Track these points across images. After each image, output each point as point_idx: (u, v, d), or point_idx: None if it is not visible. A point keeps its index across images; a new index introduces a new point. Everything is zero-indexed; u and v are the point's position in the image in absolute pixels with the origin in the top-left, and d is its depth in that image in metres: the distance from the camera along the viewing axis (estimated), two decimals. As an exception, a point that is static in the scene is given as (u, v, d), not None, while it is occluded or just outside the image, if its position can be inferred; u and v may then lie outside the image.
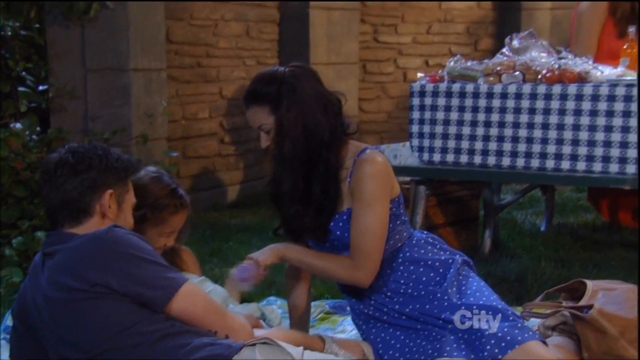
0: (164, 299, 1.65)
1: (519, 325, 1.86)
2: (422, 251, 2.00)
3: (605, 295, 1.92)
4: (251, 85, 1.97)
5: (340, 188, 1.95)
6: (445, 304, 1.91)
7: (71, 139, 3.30)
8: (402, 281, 1.97)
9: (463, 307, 1.89)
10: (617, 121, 2.81)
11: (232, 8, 4.31)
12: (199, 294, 1.70)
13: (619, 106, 2.80)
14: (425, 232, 2.12)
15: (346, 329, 2.47)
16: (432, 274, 1.97)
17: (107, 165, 1.76)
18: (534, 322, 2.10)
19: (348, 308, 2.21)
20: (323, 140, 1.94)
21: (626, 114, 2.80)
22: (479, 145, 3.04)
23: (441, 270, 1.97)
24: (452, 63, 3.15)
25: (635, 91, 2.77)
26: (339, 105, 2.00)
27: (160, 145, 3.83)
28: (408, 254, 1.99)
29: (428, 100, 3.08)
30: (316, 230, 1.96)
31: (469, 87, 3.04)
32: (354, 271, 1.94)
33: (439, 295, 1.93)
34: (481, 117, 3.04)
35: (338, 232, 1.95)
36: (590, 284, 1.97)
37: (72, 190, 1.72)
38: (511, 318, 1.87)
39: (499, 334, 1.83)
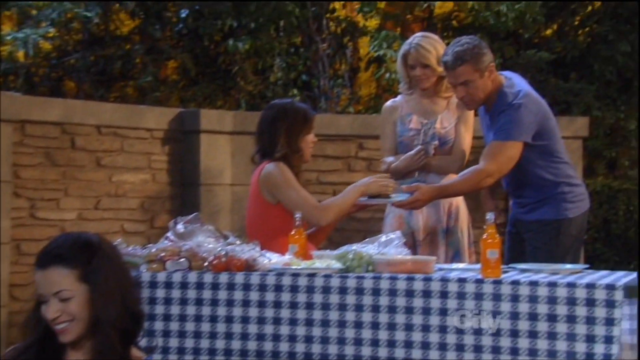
0: None
1: None
2: None
3: None
4: (54, 247, 2.02)
5: None
6: None
7: None
8: None
9: None
10: (285, 312, 2.97)
11: None
12: None
13: (285, 296, 2.98)
14: None
15: None
16: None
17: None
18: None
19: None
20: (135, 313, 2.06)
21: (293, 305, 2.97)
22: (151, 342, 3.02)
23: None
24: (111, 248, 3.17)
25: (302, 281, 2.97)
26: None
27: None
28: None
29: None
30: None
31: (130, 276, 3.06)
32: None
33: None
34: (145, 309, 3.04)
35: None
36: None
37: None
38: None
39: None
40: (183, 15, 6.65)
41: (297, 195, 3.47)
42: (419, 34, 4.11)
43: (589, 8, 7.19)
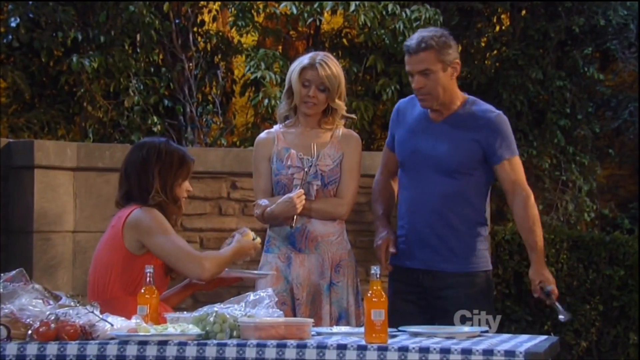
0: None
1: None
2: None
3: None
4: None
5: None
6: None
7: None
8: None
9: None
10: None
11: None
12: None
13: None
14: None
15: None
16: None
17: None
18: None
19: None
20: None
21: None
22: None
23: None
24: None
25: (150, 350, 2.92)
26: None
27: None
28: None
29: None
30: None
31: None
32: None
33: None
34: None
35: None
36: None
37: None
38: None
39: None
40: (13, 24, 6.52)
41: (172, 242, 3.51)
42: (321, 52, 4.12)
43: (497, 28, 7.49)
